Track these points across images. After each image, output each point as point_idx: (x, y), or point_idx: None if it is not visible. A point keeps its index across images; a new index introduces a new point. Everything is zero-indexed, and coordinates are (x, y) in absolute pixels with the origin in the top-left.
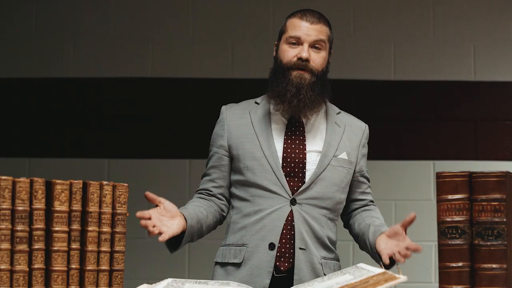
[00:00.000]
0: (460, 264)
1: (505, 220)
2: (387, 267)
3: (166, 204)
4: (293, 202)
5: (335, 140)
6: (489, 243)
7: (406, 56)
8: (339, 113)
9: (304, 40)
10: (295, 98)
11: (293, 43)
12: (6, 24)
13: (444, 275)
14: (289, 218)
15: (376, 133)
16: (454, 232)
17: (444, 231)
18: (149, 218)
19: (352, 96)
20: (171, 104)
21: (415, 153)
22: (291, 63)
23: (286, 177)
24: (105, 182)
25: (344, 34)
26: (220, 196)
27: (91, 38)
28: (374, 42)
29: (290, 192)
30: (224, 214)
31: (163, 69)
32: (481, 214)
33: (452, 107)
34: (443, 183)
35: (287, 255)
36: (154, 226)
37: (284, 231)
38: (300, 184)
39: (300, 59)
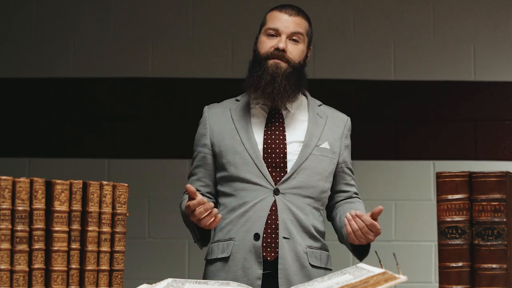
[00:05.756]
0: (460, 264)
1: (505, 220)
2: (358, 253)
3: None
4: (276, 192)
5: (317, 130)
6: (489, 243)
7: (406, 56)
8: (320, 105)
9: (282, 32)
10: (270, 86)
11: (271, 35)
12: (6, 24)
13: (444, 275)
14: (273, 208)
15: (376, 133)
16: (454, 232)
17: (444, 231)
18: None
19: (352, 96)
20: (171, 104)
21: (415, 153)
22: (268, 53)
23: (268, 168)
24: (105, 182)
25: (344, 34)
26: (208, 195)
27: (91, 38)
28: (374, 42)
29: (273, 183)
30: None
31: (163, 69)
32: (481, 214)
33: (452, 107)
34: (443, 183)
35: (272, 245)
36: (211, 211)
37: (269, 221)
38: (282, 175)
39: (277, 49)
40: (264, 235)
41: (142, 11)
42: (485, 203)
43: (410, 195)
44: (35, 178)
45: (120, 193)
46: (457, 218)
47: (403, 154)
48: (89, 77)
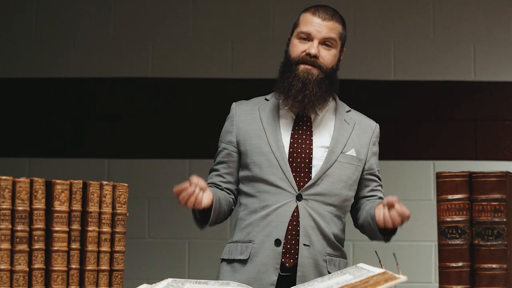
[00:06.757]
0: (460, 264)
1: (505, 220)
2: (385, 233)
3: (195, 178)
4: (299, 197)
5: (343, 137)
6: (489, 243)
7: (406, 56)
8: (349, 111)
9: (315, 37)
10: (301, 93)
11: (304, 39)
12: (6, 24)
13: (444, 275)
14: (295, 214)
15: None
16: (454, 232)
17: (444, 231)
18: (189, 186)
19: (352, 96)
20: (171, 104)
21: (415, 153)
22: (299, 58)
23: (292, 172)
24: (105, 182)
25: None
26: (227, 191)
27: (91, 38)
28: (374, 42)
29: (296, 188)
30: (233, 208)
31: (163, 69)
32: (481, 214)
33: (452, 107)
34: (443, 183)
35: (292, 251)
36: (193, 194)
37: (290, 227)
38: (306, 180)
39: (308, 54)
40: (284, 241)
41: (142, 11)
42: (485, 203)
43: (410, 195)
44: (35, 178)
45: (120, 193)
46: (457, 218)
47: (403, 154)
48: (89, 77)
